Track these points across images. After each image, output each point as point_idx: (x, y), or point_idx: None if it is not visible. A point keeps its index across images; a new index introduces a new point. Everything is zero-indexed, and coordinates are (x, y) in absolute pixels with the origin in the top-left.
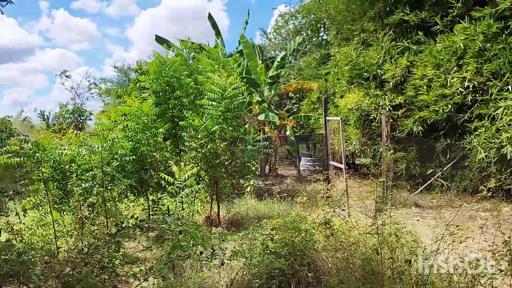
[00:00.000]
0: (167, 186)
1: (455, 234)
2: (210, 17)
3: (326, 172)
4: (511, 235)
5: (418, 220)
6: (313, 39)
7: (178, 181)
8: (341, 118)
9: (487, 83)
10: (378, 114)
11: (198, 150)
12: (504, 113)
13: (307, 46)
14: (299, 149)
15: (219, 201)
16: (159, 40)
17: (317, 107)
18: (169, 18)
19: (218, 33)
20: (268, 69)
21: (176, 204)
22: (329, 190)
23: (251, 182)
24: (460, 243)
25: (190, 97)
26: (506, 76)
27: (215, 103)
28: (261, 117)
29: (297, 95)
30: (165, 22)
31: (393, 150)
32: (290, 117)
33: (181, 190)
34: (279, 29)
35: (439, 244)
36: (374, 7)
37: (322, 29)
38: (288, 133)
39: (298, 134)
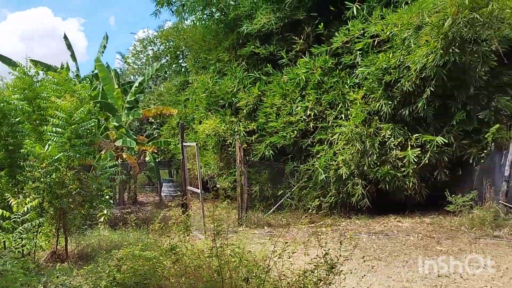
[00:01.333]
0: (1, 221)
1: (296, 249)
2: (65, 37)
3: (184, 197)
4: (339, 248)
5: (269, 239)
6: (173, 66)
7: (16, 215)
8: (196, 144)
9: (325, 111)
10: (233, 140)
11: (42, 180)
12: (339, 138)
13: (167, 72)
14: (160, 175)
15: (67, 234)
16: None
17: (177, 133)
18: (18, 35)
19: (73, 55)
20: (126, 94)
21: (15, 240)
22: (186, 215)
23: (105, 212)
24: (292, 255)
25: (33, 123)
26: (339, 106)
27: (60, 129)
28: (118, 142)
29: (158, 121)
30: (15, 40)
31: (247, 173)
32: (150, 143)
33: (19, 225)
34: (138, 54)
35: (276, 259)
36: (228, 39)
37: (181, 56)
38: (147, 159)
39: (158, 159)
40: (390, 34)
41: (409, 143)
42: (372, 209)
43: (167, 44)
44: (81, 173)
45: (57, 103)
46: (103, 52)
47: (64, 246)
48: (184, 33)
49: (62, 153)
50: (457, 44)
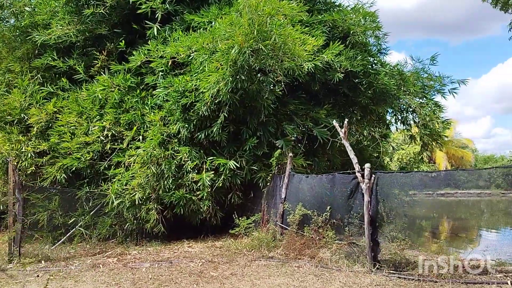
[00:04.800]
0: None
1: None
2: None
3: None
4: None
5: (38, 276)
6: None
7: None
8: None
9: (124, 132)
10: (21, 162)
11: None
12: (136, 161)
13: None
14: None
15: None
16: None
17: None
18: None
19: None
20: None
21: None
22: None
23: None
24: None
25: None
26: (136, 126)
27: None
28: None
29: None
30: None
31: (22, 200)
32: None
33: None
34: None
35: None
36: (22, 48)
37: None
38: None
39: None
40: (189, 58)
41: (204, 166)
42: (168, 235)
43: None
44: None
45: None
46: None
47: None
48: None
49: None
50: (245, 72)
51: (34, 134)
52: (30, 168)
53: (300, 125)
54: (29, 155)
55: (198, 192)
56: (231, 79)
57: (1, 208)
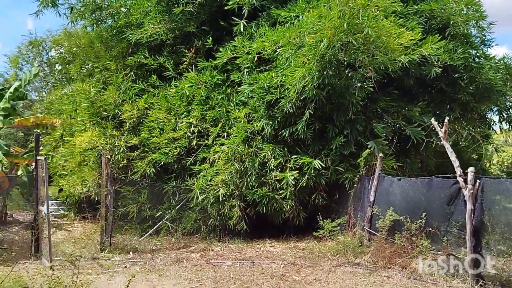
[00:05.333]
0: None
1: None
2: None
3: (35, 218)
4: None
5: (125, 267)
6: (63, 72)
7: None
8: (45, 158)
9: (209, 128)
10: (114, 155)
11: None
12: (220, 157)
13: (58, 79)
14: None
15: None
16: None
17: (59, 145)
18: None
19: None
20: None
21: None
22: (35, 239)
23: None
24: None
25: None
26: (221, 123)
27: None
28: None
29: (44, 131)
30: None
31: (114, 193)
32: (25, 155)
33: None
34: (22, 58)
35: None
36: (117, 47)
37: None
38: (20, 172)
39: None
40: (275, 53)
41: (288, 164)
42: (250, 233)
43: (58, 49)
44: None
45: None
46: None
47: None
48: (77, 38)
49: None
50: (333, 67)
51: (126, 129)
52: (122, 162)
53: (391, 124)
54: (122, 149)
55: (281, 191)
56: (318, 74)
57: (96, 198)
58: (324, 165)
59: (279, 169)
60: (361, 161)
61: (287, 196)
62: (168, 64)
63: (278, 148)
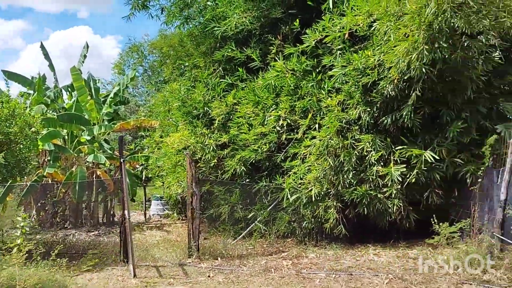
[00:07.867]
0: None
1: None
2: (42, 46)
3: (123, 222)
4: None
5: (209, 276)
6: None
7: None
8: (123, 161)
9: (299, 121)
10: (205, 154)
11: None
12: (311, 152)
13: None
14: (146, 193)
15: None
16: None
17: (160, 147)
18: (60, 53)
19: (51, 65)
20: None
21: None
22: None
23: (18, 241)
24: None
25: None
26: (311, 113)
27: None
28: (90, 158)
29: (145, 134)
30: (58, 57)
31: (199, 194)
32: (127, 158)
33: None
34: (124, 64)
35: None
36: (205, 43)
37: None
38: None
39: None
40: (370, 29)
41: (392, 157)
42: (351, 237)
43: (156, 53)
44: None
45: None
46: (83, 61)
47: None
48: (171, 38)
49: None
50: (444, 37)
51: (216, 127)
52: (213, 161)
53: None
54: (211, 147)
55: (384, 189)
56: (426, 47)
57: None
58: (437, 157)
59: (381, 164)
60: (487, 150)
61: (393, 195)
62: (255, 55)
63: (379, 139)
